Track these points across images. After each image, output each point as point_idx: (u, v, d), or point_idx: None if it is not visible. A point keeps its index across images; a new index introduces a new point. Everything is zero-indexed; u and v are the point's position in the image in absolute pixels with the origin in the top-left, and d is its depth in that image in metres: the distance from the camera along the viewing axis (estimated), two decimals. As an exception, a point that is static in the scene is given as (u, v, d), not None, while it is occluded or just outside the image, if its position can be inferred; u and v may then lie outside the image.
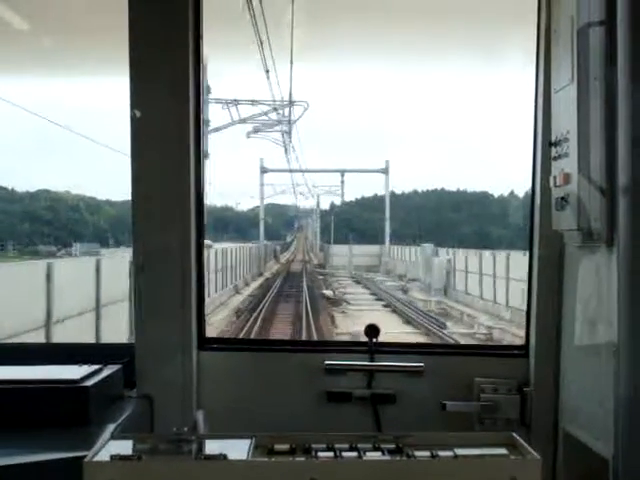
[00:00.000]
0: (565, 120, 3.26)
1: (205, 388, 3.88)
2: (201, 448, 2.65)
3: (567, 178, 3.23)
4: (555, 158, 3.39)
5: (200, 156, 3.91)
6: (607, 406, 2.95)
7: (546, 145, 3.54)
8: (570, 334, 3.59)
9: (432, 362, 3.89)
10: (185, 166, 3.82)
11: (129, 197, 3.82)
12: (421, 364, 3.87)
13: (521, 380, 3.84)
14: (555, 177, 3.36)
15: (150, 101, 3.80)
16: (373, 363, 3.90)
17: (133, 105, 3.78)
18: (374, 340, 3.92)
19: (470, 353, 4.21)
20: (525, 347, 3.91)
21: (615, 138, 2.89)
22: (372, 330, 3.95)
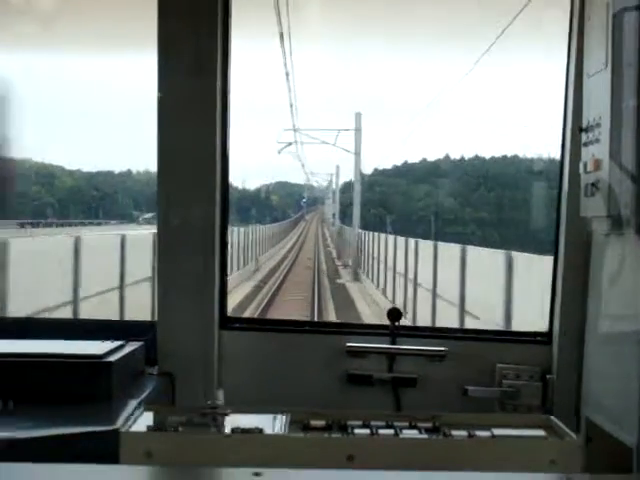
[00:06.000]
0: (597, 106, 3.22)
1: (226, 367, 3.87)
2: (235, 422, 2.66)
3: (598, 164, 3.19)
4: (586, 144, 3.34)
5: (226, 132, 3.88)
6: (631, 395, 2.93)
7: (576, 130, 3.50)
8: (595, 322, 3.56)
9: (454, 347, 3.86)
10: (211, 143, 3.79)
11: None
12: (443, 348, 3.86)
13: (543, 367, 3.81)
14: (585, 163, 3.32)
15: (177, 77, 3.77)
16: (395, 346, 3.89)
17: (160, 81, 3.76)
18: (396, 323, 3.91)
19: (493, 339, 4.19)
20: (548, 334, 3.89)
21: None
22: (394, 313, 3.94)
